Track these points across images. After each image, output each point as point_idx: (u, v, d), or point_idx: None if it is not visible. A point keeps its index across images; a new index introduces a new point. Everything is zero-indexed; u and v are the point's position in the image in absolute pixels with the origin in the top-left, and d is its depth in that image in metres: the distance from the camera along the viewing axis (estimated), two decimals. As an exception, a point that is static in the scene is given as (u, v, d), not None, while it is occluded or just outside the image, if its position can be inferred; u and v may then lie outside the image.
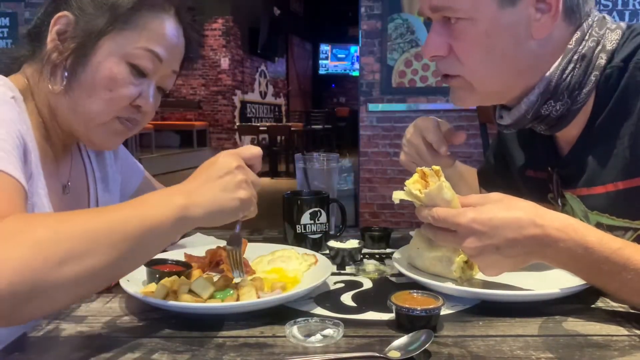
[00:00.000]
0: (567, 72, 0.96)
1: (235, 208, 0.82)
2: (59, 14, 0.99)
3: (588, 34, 0.96)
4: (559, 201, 1.10)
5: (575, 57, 0.96)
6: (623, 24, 0.99)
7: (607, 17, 1.00)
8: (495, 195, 0.87)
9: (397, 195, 0.91)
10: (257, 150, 0.88)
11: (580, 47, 0.96)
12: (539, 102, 0.98)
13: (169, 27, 1.03)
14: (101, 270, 0.71)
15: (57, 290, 0.68)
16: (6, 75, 1.01)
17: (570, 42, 0.96)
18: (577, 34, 0.96)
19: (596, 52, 0.96)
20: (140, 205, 0.77)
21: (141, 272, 0.96)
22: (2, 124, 0.87)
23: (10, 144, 0.85)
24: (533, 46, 0.96)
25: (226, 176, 0.81)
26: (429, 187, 0.87)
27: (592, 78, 0.96)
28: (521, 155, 1.21)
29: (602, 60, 0.96)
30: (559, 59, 0.96)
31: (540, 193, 1.15)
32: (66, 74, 0.99)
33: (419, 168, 0.91)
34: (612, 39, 0.96)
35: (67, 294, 0.71)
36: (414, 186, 0.89)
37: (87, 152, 1.20)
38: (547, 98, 0.98)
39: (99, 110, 1.01)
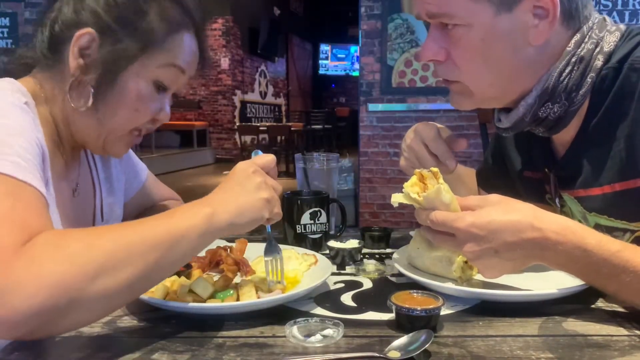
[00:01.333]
0: (564, 74, 0.96)
1: (260, 208, 0.85)
2: (82, 31, 0.95)
3: (588, 36, 0.96)
4: (557, 202, 1.10)
5: (574, 59, 0.95)
6: (622, 26, 0.99)
7: (608, 18, 1.00)
8: (494, 197, 0.87)
9: (396, 199, 0.91)
10: (271, 158, 0.92)
11: (579, 50, 0.95)
12: (537, 104, 0.98)
13: (188, 39, 1.03)
14: (134, 281, 0.73)
15: (92, 304, 0.70)
16: (15, 77, 1.00)
17: (569, 45, 0.96)
18: (577, 37, 0.96)
19: (594, 54, 0.95)
20: (168, 217, 0.79)
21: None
22: (21, 132, 0.86)
23: (31, 152, 0.84)
24: (531, 52, 0.96)
25: (245, 181, 0.86)
26: (427, 190, 0.87)
27: (589, 80, 0.96)
28: (518, 156, 1.21)
29: (599, 61, 0.95)
30: (557, 62, 0.96)
31: (539, 194, 1.15)
32: (92, 91, 0.97)
33: (417, 170, 0.91)
34: (610, 41, 0.96)
35: (102, 307, 0.73)
36: (412, 189, 0.89)
37: (93, 154, 1.20)
38: (545, 100, 0.97)
39: (120, 125, 1.01)
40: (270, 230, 0.97)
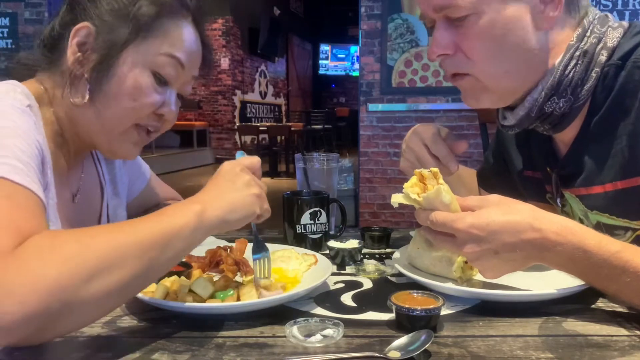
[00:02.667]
0: (569, 68, 0.95)
1: (251, 203, 0.85)
2: (79, 25, 0.97)
3: (589, 30, 0.96)
4: (558, 201, 1.10)
5: (577, 53, 0.95)
6: (625, 23, 0.99)
7: (610, 15, 1.00)
8: (494, 198, 0.86)
9: (396, 199, 0.91)
10: (256, 159, 0.92)
11: (582, 44, 0.95)
12: (543, 99, 0.97)
13: (187, 32, 1.03)
14: (129, 282, 0.72)
15: (87, 306, 0.68)
16: (20, 80, 1.00)
17: (572, 39, 0.96)
18: (578, 31, 0.96)
19: (597, 48, 0.95)
20: (160, 216, 0.78)
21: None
22: (21, 135, 0.86)
23: (29, 155, 0.84)
24: (540, 37, 0.96)
25: (235, 178, 0.86)
26: (427, 190, 0.87)
27: (593, 74, 0.96)
28: (519, 156, 1.20)
29: (602, 56, 0.95)
30: (561, 55, 0.96)
31: (539, 193, 1.15)
32: (89, 86, 0.97)
33: (417, 170, 0.90)
34: (613, 37, 0.96)
35: (97, 309, 0.72)
36: (412, 190, 0.89)
37: (98, 156, 1.20)
38: (551, 95, 0.97)
39: (121, 118, 1.00)
40: (255, 228, 0.97)
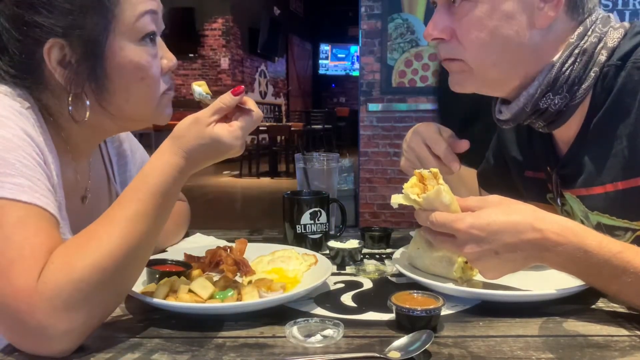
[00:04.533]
0: (567, 65, 0.95)
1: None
2: (47, 46, 0.89)
3: (591, 29, 0.96)
4: (559, 201, 1.10)
5: (577, 51, 0.95)
6: (627, 24, 0.99)
7: (612, 16, 1.00)
8: (494, 198, 0.86)
9: (396, 200, 0.90)
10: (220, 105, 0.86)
11: (582, 42, 0.95)
12: (538, 94, 0.97)
13: None
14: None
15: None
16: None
17: (572, 36, 0.96)
18: (580, 29, 0.96)
19: (597, 48, 0.95)
20: (145, 183, 0.81)
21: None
22: (20, 145, 0.82)
23: (32, 165, 0.81)
24: (535, 35, 0.96)
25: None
26: (427, 191, 0.87)
27: (592, 74, 0.95)
28: (520, 156, 1.20)
29: (602, 56, 0.95)
30: (560, 52, 0.96)
31: (540, 193, 1.15)
32: (88, 103, 0.93)
33: (417, 170, 0.90)
34: (614, 37, 0.96)
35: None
36: (412, 190, 0.89)
37: (109, 156, 1.18)
38: (546, 91, 0.97)
39: (146, 99, 0.98)
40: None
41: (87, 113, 0.94)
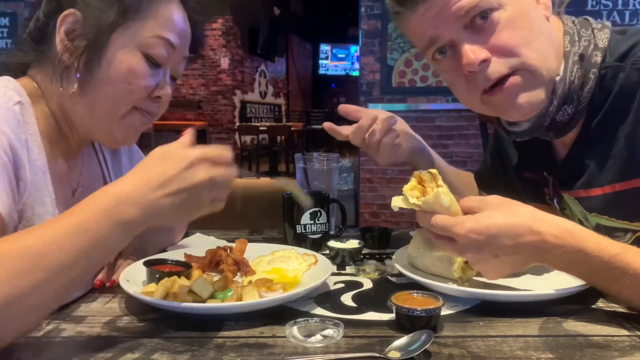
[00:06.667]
0: (573, 74, 0.96)
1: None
2: (65, 12, 0.95)
3: (576, 34, 0.98)
4: (555, 201, 1.10)
5: (575, 58, 0.96)
6: (608, 23, 1.00)
7: (589, 17, 1.02)
8: (494, 199, 0.86)
9: (396, 203, 0.91)
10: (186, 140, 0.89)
11: (576, 48, 0.96)
12: (556, 108, 0.97)
13: (176, 12, 1.01)
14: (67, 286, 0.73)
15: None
16: (15, 77, 0.99)
17: (566, 45, 0.97)
18: (567, 37, 0.98)
19: (590, 50, 0.96)
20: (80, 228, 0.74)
21: (141, 272, 0.96)
22: None
23: None
24: (549, 26, 0.98)
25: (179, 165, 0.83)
26: (427, 194, 0.87)
27: (591, 76, 0.96)
28: (517, 156, 1.20)
29: (597, 57, 0.96)
30: (563, 64, 0.96)
31: (538, 194, 1.15)
32: (78, 75, 0.96)
33: (416, 172, 0.91)
34: (602, 37, 0.97)
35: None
36: (411, 193, 0.89)
37: (104, 155, 1.19)
38: (563, 103, 0.97)
39: (118, 103, 0.99)
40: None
41: (76, 85, 0.96)
